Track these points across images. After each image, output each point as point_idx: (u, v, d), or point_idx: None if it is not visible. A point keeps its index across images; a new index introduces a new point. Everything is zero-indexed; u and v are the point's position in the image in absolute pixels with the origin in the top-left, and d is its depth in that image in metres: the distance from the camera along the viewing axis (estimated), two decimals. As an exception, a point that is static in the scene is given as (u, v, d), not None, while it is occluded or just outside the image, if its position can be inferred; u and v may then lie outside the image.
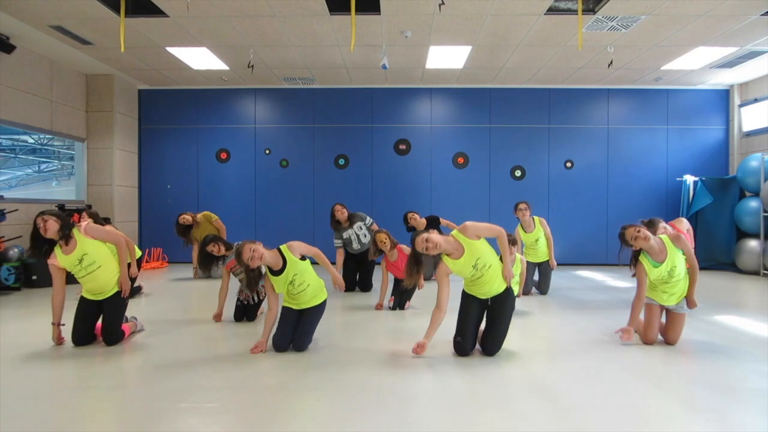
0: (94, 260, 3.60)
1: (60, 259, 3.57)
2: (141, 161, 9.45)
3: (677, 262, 3.66)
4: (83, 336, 3.67)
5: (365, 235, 6.13)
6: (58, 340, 3.67)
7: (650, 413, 2.51)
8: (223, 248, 4.46)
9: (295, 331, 3.57)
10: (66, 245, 3.55)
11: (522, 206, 5.84)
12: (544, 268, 5.93)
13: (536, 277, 6.05)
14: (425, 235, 3.34)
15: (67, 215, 3.69)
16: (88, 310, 3.70)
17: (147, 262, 8.84)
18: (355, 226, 6.11)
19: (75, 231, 3.59)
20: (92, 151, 8.65)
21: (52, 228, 3.47)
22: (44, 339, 3.82)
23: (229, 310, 4.64)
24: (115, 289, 3.73)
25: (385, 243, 5.03)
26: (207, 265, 4.59)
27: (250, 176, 9.41)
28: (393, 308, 5.09)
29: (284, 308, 3.66)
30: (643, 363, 3.35)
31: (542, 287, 5.95)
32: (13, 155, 18.81)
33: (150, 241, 9.20)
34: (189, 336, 4.04)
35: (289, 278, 3.52)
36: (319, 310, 3.69)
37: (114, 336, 3.68)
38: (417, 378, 3.02)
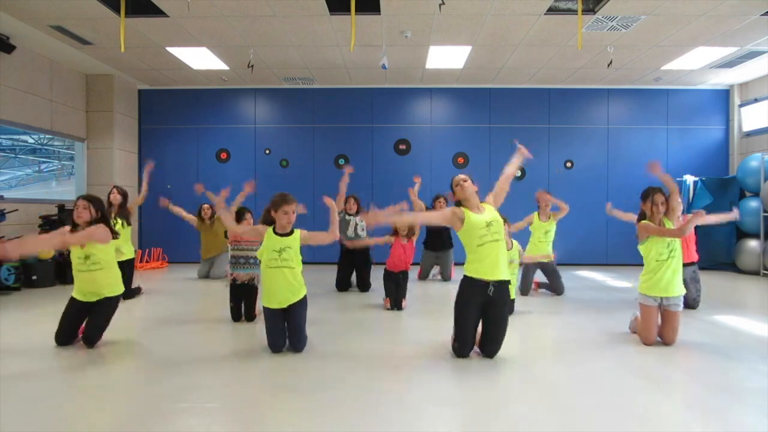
0: (100, 261, 3.61)
1: (73, 248, 3.60)
2: (141, 161, 9.44)
3: (673, 244, 3.76)
4: (69, 337, 3.64)
5: (363, 229, 6.25)
6: None
7: (650, 413, 2.51)
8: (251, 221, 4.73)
9: (287, 331, 3.54)
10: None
11: (546, 196, 5.98)
12: (551, 268, 5.89)
13: (533, 278, 6.06)
14: (465, 176, 3.44)
15: (102, 209, 3.71)
16: (77, 312, 3.66)
17: (147, 262, 8.85)
18: (357, 217, 6.25)
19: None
20: (92, 151, 8.65)
21: (83, 217, 3.58)
22: (44, 339, 3.82)
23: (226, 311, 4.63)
24: (110, 293, 3.68)
25: (404, 228, 5.19)
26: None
27: (250, 176, 9.37)
28: (390, 309, 5.10)
29: (267, 310, 3.55)
30: (642, 363, 3.35)
31: (557, 288, 5.89)
32: (13, 155, 18.81)
33: (150, 241, 9.20)
34: (188, 336, 4.04)
35: (283, 245, 3.49)
36: (302, 304, 3.59)
37: (95, 338, 3.61)
38: (415, 378, 3.02)
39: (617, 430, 2.32)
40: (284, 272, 3.49)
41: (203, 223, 7.31)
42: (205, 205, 7.36)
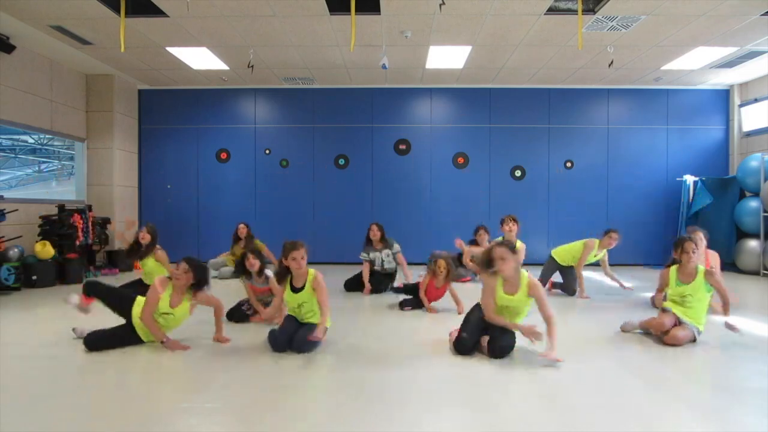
0: (171, 324, 3.69)
1: (162, 296, 3.62)
2: (141, 161, 9.44)
3: (695, 293, 3.84)
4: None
5: (390, 262, 6.14)
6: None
7: (650, 413, 2.51)
8: (257, 265, 4.58)
9: (295, 335, 3.57)
10: (175, 296, 3.65)
11: (615, 236, 5.89)
12: (569, 271, 5.97)
13: (554, 278, 6.17)
14: (507, 252, 3.38)
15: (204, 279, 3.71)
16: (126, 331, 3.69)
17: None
18: (383, 252, 6.11)
19: (188, 292, 3.68)
20: (92, 151, 8.65)
21: (181, 281, 3.61)
22: (44, 339, 3.82)
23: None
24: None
25: (442, 271, 4.97)
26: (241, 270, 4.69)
27: (250, 176, 9.41)
28: (400, 295, 5.27)
29: (287, 315, 3.84)
30: (642, 363, 3.35)
31: (569, 289, 5.97)
32: (13, 155, 18.81)
33: (150, 241, 9.18)
34: (188, 336, 4.03)
35: (299, 302, 3.70)
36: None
37: (93, 345, 3.54)
38: (417, 378, 3.02)
39: (617, 430, 2.32)
40: (305, 317, 3.76)
41: (237, 243, 7.41)
42: (241, 225, 7.52)
